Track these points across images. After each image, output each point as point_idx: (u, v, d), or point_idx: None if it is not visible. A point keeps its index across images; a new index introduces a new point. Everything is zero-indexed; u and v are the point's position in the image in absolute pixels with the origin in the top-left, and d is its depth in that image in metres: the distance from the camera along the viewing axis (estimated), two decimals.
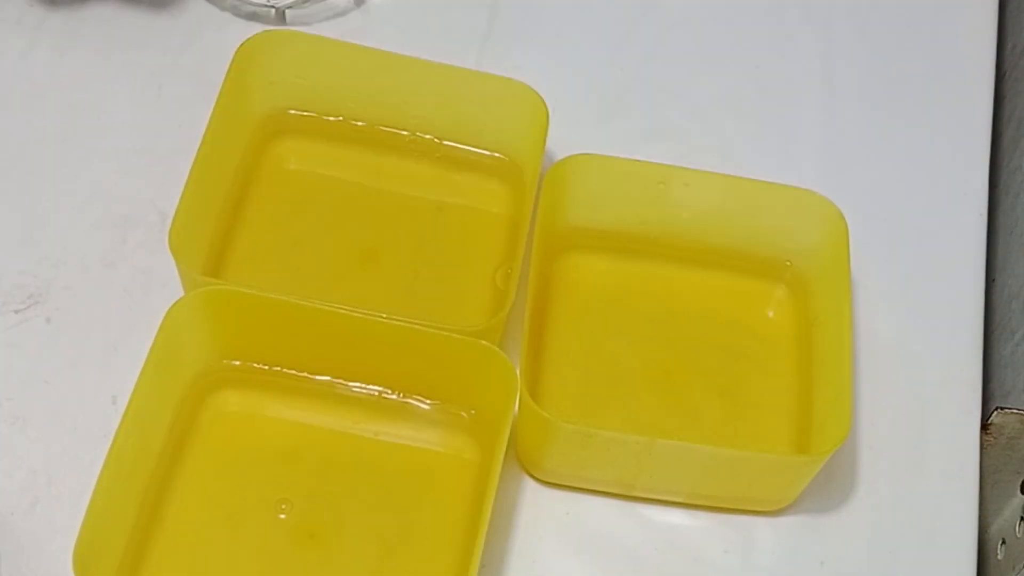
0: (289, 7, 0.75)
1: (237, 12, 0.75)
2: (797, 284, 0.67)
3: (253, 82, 0.67)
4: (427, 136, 0.69)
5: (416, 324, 0.58)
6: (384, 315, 0.58)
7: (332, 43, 0.68)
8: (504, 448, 0.56)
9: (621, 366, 0.64)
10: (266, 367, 0.62)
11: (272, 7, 0.74)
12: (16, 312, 0.64)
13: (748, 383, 0.65)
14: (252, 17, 0.75)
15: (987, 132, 0.76)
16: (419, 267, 0.66)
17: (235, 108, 0.66)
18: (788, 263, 0.67)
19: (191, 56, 0.73)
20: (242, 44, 0.66)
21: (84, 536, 0.52)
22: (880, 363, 0.67)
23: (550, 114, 0.65)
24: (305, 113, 0.69)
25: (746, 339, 0.66)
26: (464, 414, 0.61)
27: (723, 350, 0.65)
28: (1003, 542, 0.64)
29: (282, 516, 0.59)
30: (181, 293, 0.63)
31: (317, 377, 0.62)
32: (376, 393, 0.62)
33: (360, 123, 0.69)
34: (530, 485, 0.62)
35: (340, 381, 0.62)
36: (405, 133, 0.69)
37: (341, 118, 0.69)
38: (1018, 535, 0.63)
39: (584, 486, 0.62)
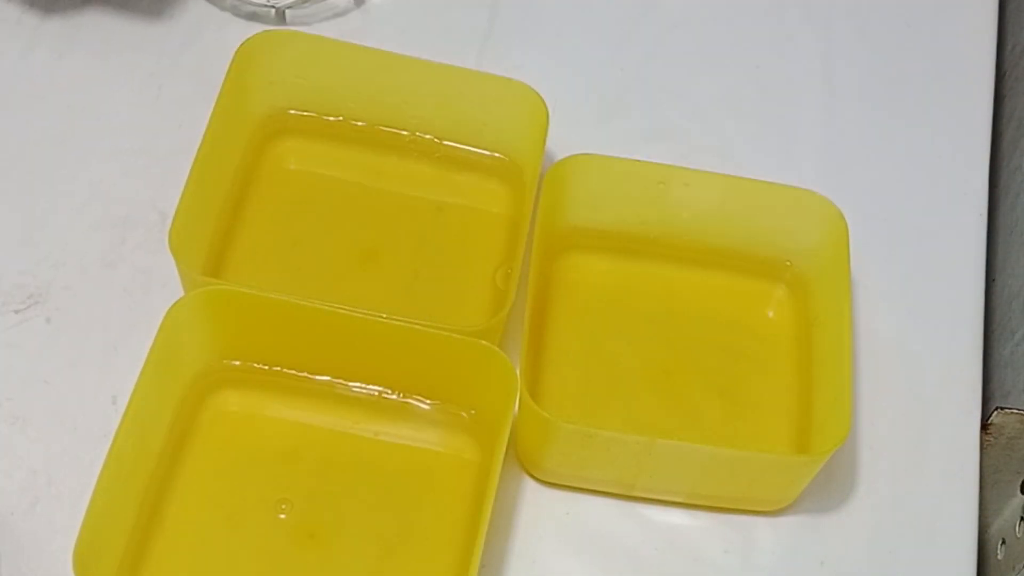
0: (289, 7, 0.75)
1: (237, 12, 0.75)
2: (797, 284, 0.67)
3: (253, 82, 0.67)
4: (427, 136, 0.69)
5: (416, 324, 0.58)
6: (384, 315, 0.58)
7: (332, 43, 0.68)
8: (504, 448, 0.56)
9: (621, 366, 0.64)
10: (266, 367, 0.62)
11: (272, 7, 0.74)
12: (16, 312, 0.64)
13: (748, 383, 0.65)
14: (252, 17, 0.75)
15: (987, 132, 0.76)
16: (419, 267, 0.66)
17: (235, 108, 0.66)
18: (788, 263, 0.67)
19: (191, 56, 0.73)
20: (242, 44, 0.66)
21: (84, 536, 0.52)
22: (880, 363, 0.67)
23: (550, 114, 0.65)
24: (305, 113, 0.69)
25: (746, 339, 0.66)
26: (464, 414, 0.61)
27: (723, 350, 0.65)
28: (1003, 542, 0.64)
29: (282, 516, 0.59)
30: (181, 293, 0.63)
31: (317, 377, 0.62)
32: (376, 393, 0.62)
33: (360, 123, 0.69)
34: (530, 485, 0.62)
35: (340, 381, 0.62)
36: (405, 133, 0.69)
37: (341, 118, 0.69)
38: (1018, 535, 0.63)
39: (584, 486, 0.62)
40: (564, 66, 0.75)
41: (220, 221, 0.65)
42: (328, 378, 0.62)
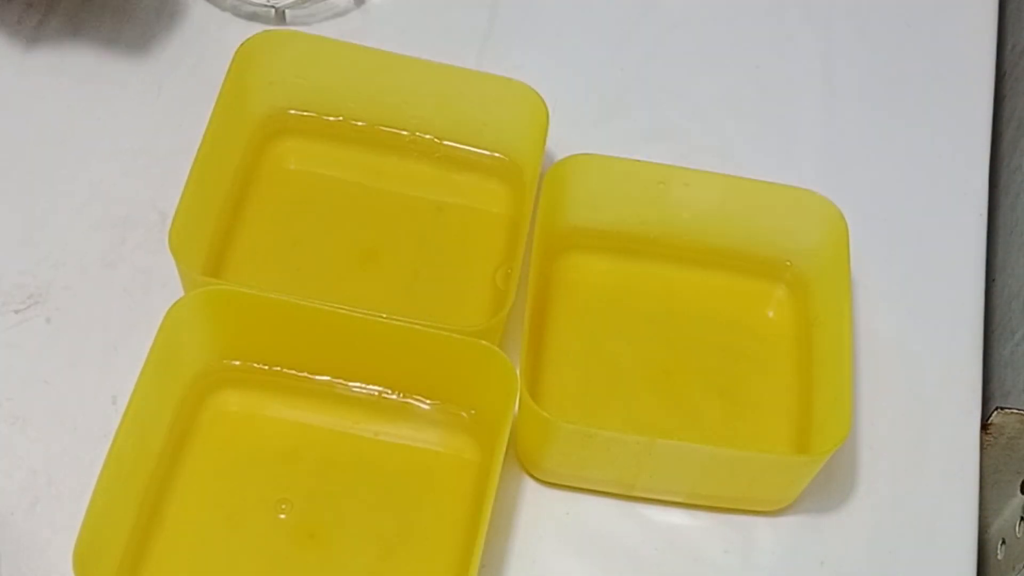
0: (289, 7, 0.75)
1: (237, 12, 0.75)
2: (797, 284, 0.67)
3: (253, 82, 0.67)
4: (427, 136, 0.69)
5: (416, 324, 0.58)
6: (384, 315, 0.58)
7: (332, 43, 0.68)
8: (504, 448, 0.56)
9: (621, 366, 0.64)
10: (266, 367, 0.62)
11: (272, 7, 0.74)
12: (16, 312, 0.64)
13: (748, 383, 0.65)
14: (252, 17, 0.75)
15: (987, 132, 0.76)
16: (419, 267, 0.66)
17: (235, 108, 0.66)
18: (788, 263, 0.67)
19: (191, 56, 0.73)
20: (242, 44, 0.66)
21: (84, 536, 0.52)
22: (880, 363, 0.67)
23: (550, 114, 0.65)
24: (305, 113, 0.69)
25: (746, 339, 0.66)
26: (464, 414, 0.61)
27: (723, 350, 0.65)
28: (1003, 542, 0.64)
29: (282, 516, 0.59)
30: (181, 293, 0.63)
31: (317, 377, 0.62)
32: (376, 393, 0.62)
33: (360, 123, 0.69)
34: (530, 485, 0.62)
35: (340, 381, 0.62)
36: (405, 133, 0.69)
37: (341, 118, 0.69)
38: (1018, 535, 0.63)
39: (584, 486, 0.62)
40: (564, 66, 0.75)
41: (220, 221, 0.65)
42: (328, 378, 0.62)
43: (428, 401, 0.62)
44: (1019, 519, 0.63)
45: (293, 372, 0.62)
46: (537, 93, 0.65)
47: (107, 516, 0.54)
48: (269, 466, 0.60)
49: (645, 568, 0.60)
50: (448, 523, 0.59)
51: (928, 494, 0.64)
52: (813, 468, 0.60)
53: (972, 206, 0.73)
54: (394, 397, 0.62)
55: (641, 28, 0.78)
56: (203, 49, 0.73)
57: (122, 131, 0.70)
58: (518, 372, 0.58)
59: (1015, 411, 0.65)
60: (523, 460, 0.62)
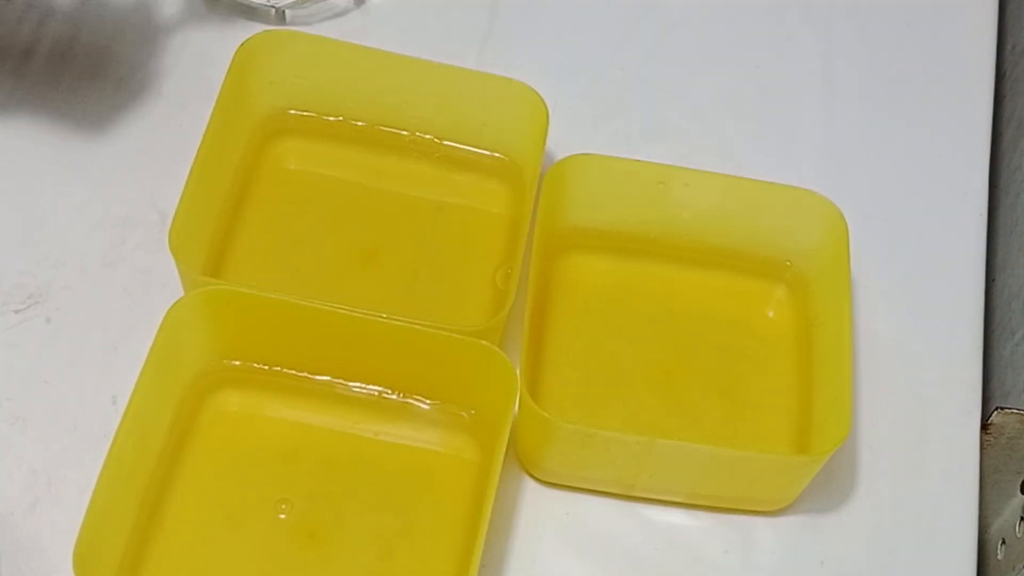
0: (289, 7, 0.75)
1: (237, 12, 0.75)
2: (797, 284, 0.67)
3: (253, 82, 0.67)
4: (427, 136, 0.69)
5: (416, 324, 0.58)
6: (384, 315, 0.58)
7: (332, 43, 0.68)
8: (504, 448, 0.56)
9: (621, 366, 0.64)
10: (266, 367, 0.62)
11: (272, 7, 0.74)
12: (16, 312, 0.64)
13: (748, 383, 0.65)
14: (252, 17, 0.75)
15: (987, 132, 0.76)
16: (419, 267, 0.66)
17: (235, 108, 0.66)
18: (788, 263, 0.67)
19: (191, 56, 0.73)
20: (242, 44, 0.66)
21: (84, 536, 0.52)
22: (880, 363, 0.67)
23: (550, 114, 0.65)
24: (305, 113, 0.69)
25: (746, 339, 0.66)
26: (464, 414, 0.61)
27: (723, 350, 0.65)
28: (1003, 542, 0.64)
29: (282, 516, 0.59)
30: (181, 293, 0.63)
31: (317, 377, 0.62)
32: (376, 393, 0.62)
33: (360, 123, 0.69)
34: (530, 485, 0.62)
35: (340, 381, 0.62)
36: (405, 133, 0.69)
37: (341, 118, 0.69)
38: (1018, 535, 0.63)
39: (584, 486, 0.62)
40: (564, 66, 0.75)
41: (220, 221, 0.65)
42: (328, 378, 0.62)
43: (428, 401, 0.62)
44: (1019, 519, 0.63)
45: (293, 372, 0.62)
46: (537, 93, 0.65)
47: (107, 516, 0.54)
48: (269, 466, 0.60)
49: (645, 568, 0.60)
50: (448, 523, 0.59)
51: (928, 494, 0.64)
52: (813, 468, 0.60)
53: (972, 206, 0.73)
54: (394, 397, 0.62)
55: (641, 28, 0.78)
56: (203, 49, 0.73)
57: (122, 131, 0.70)
58: (518, 372, 0.58)
59: (1015, 411, 0.65)
60: (523, 460, 0.62)
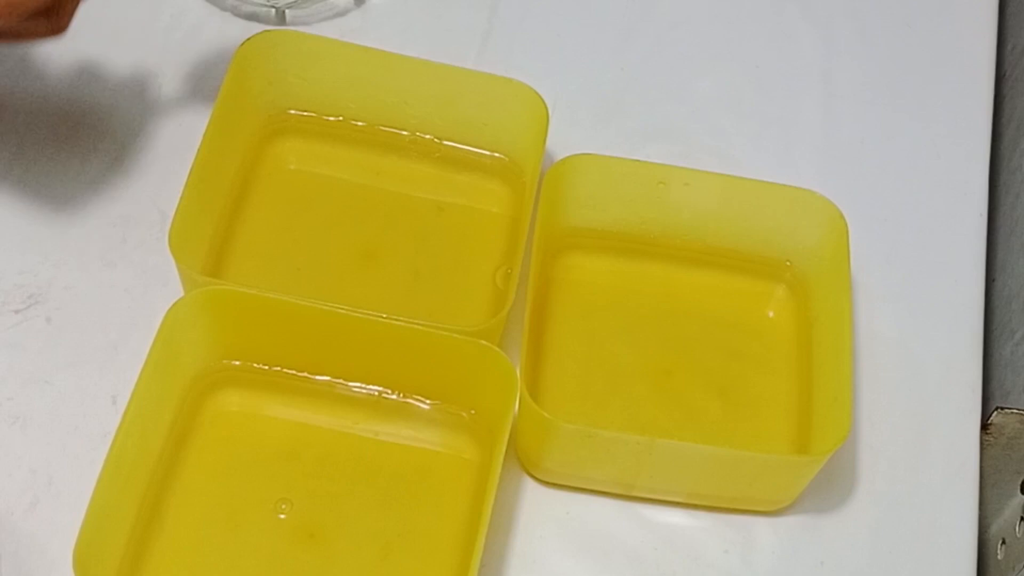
0: (289, 7, 0.75)
1: (237, 12, 0.75)
2: (797, 284, 0.67)
3: (253, 82, 0.67)
4: (427, 136, 0.69)
5: (416, 324, 0.58)
6: (384, 315, 0.58)
7: (332, 43, 0.68)
8: (504, 448, 0.56)
9: (621, 366, 0.64)
10: (266, 367, 0.62)
11: (272, 7, 0.74)
12: (16, 312, 0.64)
13: (748, 383, 0.65)
14: (252, 17, 0.75)
15: (987, 132, 0.76)
16: (419, 267, 0.66)
17: (235, 108, 0.66)
18: (788, 263, 0.67)
19: (191, 56, 0.73)
20: (242, 44, 0.66)
21: (84, 536, 0.52)
22: (880, 363, 0.67)
23: (550, 114, 0.65)
24: (305, 113, 0.69)
25: (746, 339, 0.66)
26: (464, 414, 0.61)
27: (723, 350, 0.65)
28: (1003, 542, 0.64)
29: (282, 516, 0.59)
30: (181, 293, 0.63)
31: (317, 377, 0.62)
32: (376, 393, 0.62)
33: (360, 123, 0.69)
34: (530, 485, 0.62)
35: (340, 381, 0.62)
36: (405, 133, 0.69)
37: (341, 118, 0.69)
38: (1018, 535, 0.63)
39: (584, 486, 0.62)
40: (564, 66, 0.75)
41: (220, 221, 0.65)
42: (328, 378, 0.62)
43: (428, 401, 0.62)
44: (1019, 519, 0.63)
45: (293, 372, 0.62)
46: (537, 93, 0.65)
47: (107, 516, 0.54)
48: (269, 466, 0.60)
49: (645, 568, 0.60)
50: (448, 523, 0.59)
51: (928, 494, 0.64)
52: (813, 468, 0.60)
53: (972, 206, 0.73)
54: (394, 397, 0.62)
55: (641, 28, 0.78)
56: (203, 49, 0.73)
57: (122, 131, 0.70)
58: (518, 372, 0.58)
59: (1015, 411, 0.65)
60: (523, 460, 0.62)
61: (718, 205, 0.66)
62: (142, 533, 0.57)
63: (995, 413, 0.65)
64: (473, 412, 0.61)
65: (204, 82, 0.68)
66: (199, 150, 0.62)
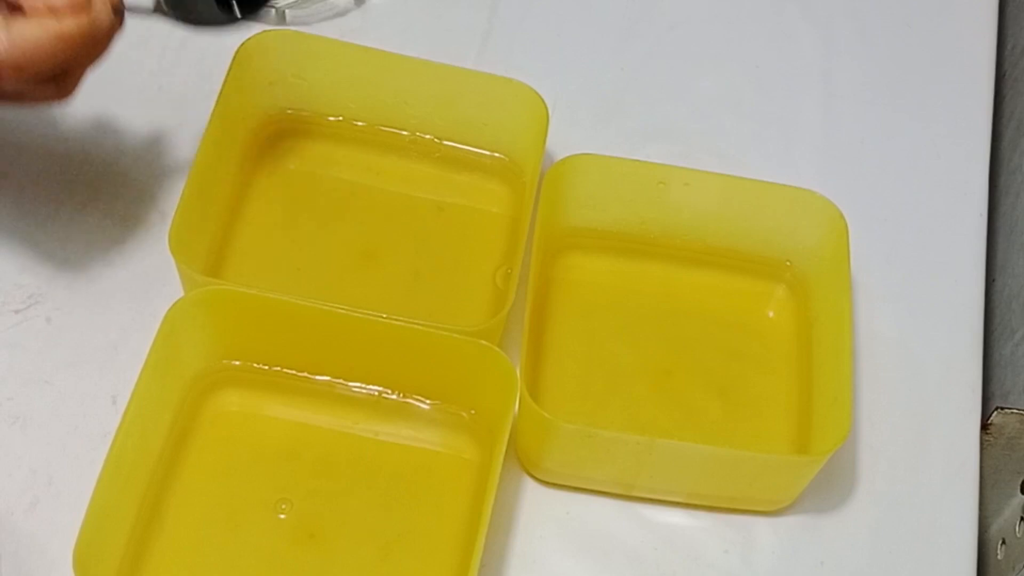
0: (289, 7, 0.75)
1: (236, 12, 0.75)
2: (797, 284, 0.67)
3: (253, 82, 0.67)
4: (427, 136, 0.69)
5: (416, 324, 0.58)
6: (384, 315, 0.58)
7: (332, 43, 0.68)
8: (504, 448, 0.56)
9: (621, 366, 0.64)
10: (266, 367, 0.62)
11: (272, 7, 0.74)
12: (16, 312, 0.64)
13: (748, 383, 0.65)
14: (252, 17, 0.75)
15: (987, 132, 0.76)
16: (419, 267, 0.66)
17: (235, 108, 0.66)
18: (788, 263, 0.67)
19: (191, 56, 0.73)
20: (242, 44, 0.66)
21: (84, 536, 0.52)
22: (880, 363, 0.67)
23: (550, 114, 0.65)
24: (305, 113, 0.69)
25: (746, 339, 0.66)
26: (464, 414, 0.61)
27: (723, 350, 0.65)
28: (1003, 542, 0.64)
29: (282, 516, 0.59)
30: (181, 293, 0.63)
31: (317, 377, 0.62)
32: (376, 393, 0.62)
33: (360, 123, 0.69)
34: (530, 485, 0.62)
35: (340, 381, 0.62)
36: (405, 133, 0.69)
37: (341, 118, 0.69)
38: (1018, 535, 0.63)
39: (584, 486, 0.62)
40: (564, 66, 0.75)
41: (220, 221, 0.65)
42: (328, 378, 0.62)
43: (428, 401, 0.62)
44: (1019, 519, 0.63)
45: (293, 372, 0.62)
46: (537, 93, 0.65)
47: (107, 516, 0.54)
48: (269, 466, 0.60)
49: (645, 568, 0.60)
50: (448, 523, 0.59)
51: (928, 494, 0.64)
52: (813, 468, 0.60)
53: (972, 206, 0.73)
54: (394, 397, 0.62)
55: (641, 28, 0.78)
56: (203, 49, 0.73)
57: (122, 131, 0.70)
58: (518, 372, 0.58)
59: (1015, 411, 0.65)
60: (523, 460, 0.62)
61: (718, 205, 0.66)
62: (142, 533, 0.57)
63: (995, 413, 0.65)
64: (473, 412, 0.61)
65: (204, 82, 0.68)
66: (199, 150, 0.62)
